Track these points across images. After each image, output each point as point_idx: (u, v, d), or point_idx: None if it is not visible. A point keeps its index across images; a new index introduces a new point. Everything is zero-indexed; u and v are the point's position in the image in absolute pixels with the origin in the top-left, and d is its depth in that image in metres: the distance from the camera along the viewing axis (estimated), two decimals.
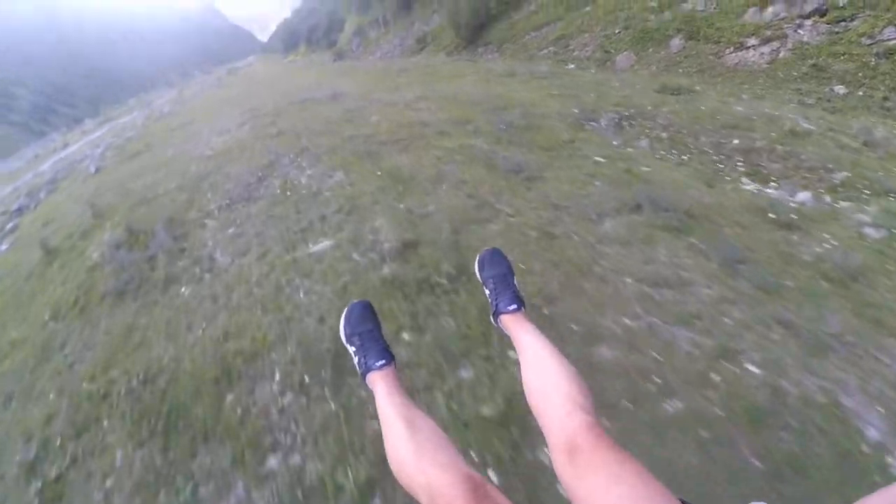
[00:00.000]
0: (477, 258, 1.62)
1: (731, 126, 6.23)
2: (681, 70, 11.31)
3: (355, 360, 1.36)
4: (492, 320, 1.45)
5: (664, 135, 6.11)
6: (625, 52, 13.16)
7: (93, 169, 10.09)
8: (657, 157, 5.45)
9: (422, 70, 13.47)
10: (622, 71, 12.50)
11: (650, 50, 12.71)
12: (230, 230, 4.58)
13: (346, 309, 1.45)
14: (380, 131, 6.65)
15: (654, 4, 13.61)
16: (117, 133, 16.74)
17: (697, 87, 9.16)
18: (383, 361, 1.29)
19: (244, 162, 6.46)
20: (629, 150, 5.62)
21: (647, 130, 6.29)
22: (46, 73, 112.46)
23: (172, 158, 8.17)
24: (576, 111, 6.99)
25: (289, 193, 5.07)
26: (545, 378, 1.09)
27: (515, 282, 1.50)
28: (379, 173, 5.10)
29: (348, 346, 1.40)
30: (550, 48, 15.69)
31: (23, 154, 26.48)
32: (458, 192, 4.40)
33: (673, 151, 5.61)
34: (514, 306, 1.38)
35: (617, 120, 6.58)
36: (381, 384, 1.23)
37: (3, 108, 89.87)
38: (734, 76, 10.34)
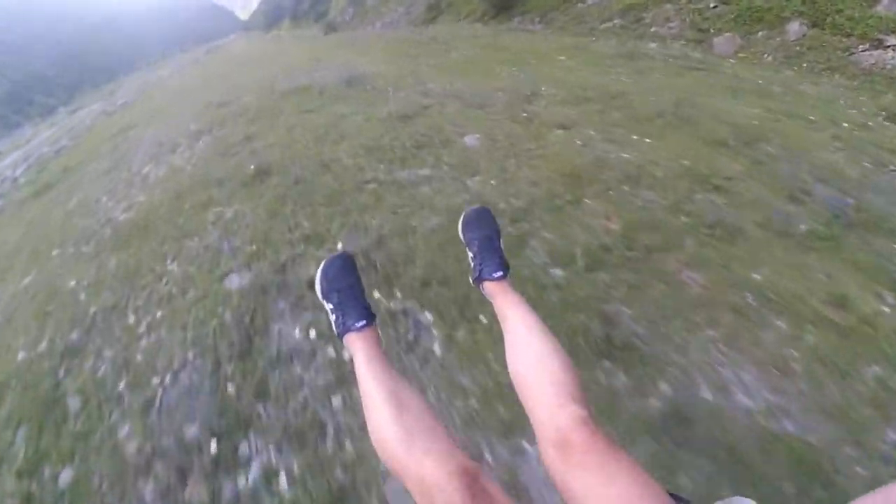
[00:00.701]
0: (462, 217, 1.40)
1: None
2: (805, 65, 8.54)
3: (332, 318, 1.19)
4: (472, 283, 1.30)
5: None
6: (727, 34, 10.06)
7: None
8: None
9: (467, 42, 9.42)
10: (726, 56, 9.41)
11: (760, 34, 9.82)
12: None
13: (323, 262, 1.25)
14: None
15: None
16: (56, 139, 12.71)
17: None
18: (364, 322, 1.13)
19: (168, 299, 2.71)
20: None
21: None
22: (22, 62, 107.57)
23: (66, 220, 4.31)
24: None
25: None
26: (535, 363, 0.97)
27: (501, 245, 1.32)
28: None
29: (325, 303, 1.22)
30: (616, 20, 12.00)
31: None
32: None
33: None
34: (499, 273, 1.22)
35: None
36: (360, 347, 1.09)
37: None
38: (871, 80, 7.61)
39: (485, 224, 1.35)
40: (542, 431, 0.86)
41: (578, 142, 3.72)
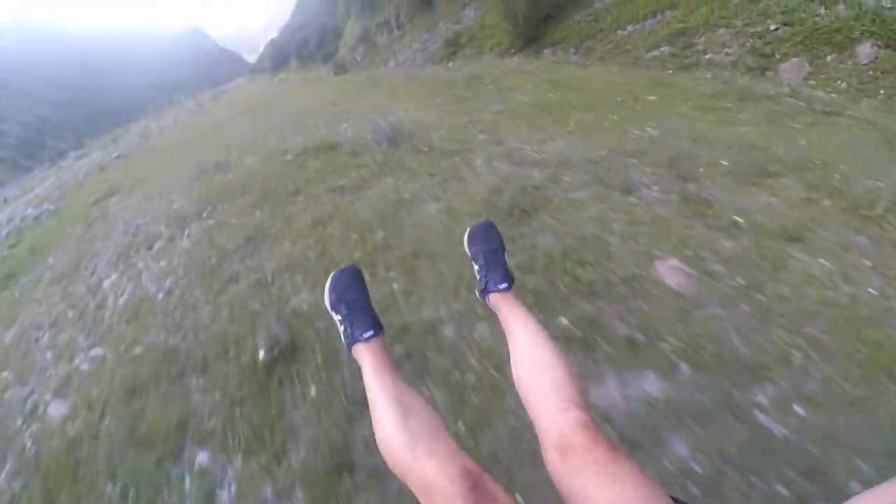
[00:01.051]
0: (467, 231, 1.39)
1: None
2: (882, 92, 6.93)
3: (341, 329, 1.16)
4: (478, 295, 1.27)
5: None
6: (793, 59, 8.69)
7: None
8: None
9: (519, 79, 7.86)
10: (794, 83, 7.89)
11: (828, 57, 8.45)
12: None
13: (332, 274, 1.24)
14: None
15: None
16: (43, 198, 11.39)
17: None
18: (371, 332, 1.11)
19: None
20: None
21: None
22: (32, 106, 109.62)
23: None
24: None
25: None
26: (539, 369, 0.97)
27: (506, 258, 1.32)
28: None
29: (333, 315, 1.20)
30: (664, 48, 10.64)
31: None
32: None
33: None
34: (504, 284, 1.20)
35: None
36: (368, 357, 1.07)
37: None
38: None
39: (490, 238, 1.34)
40: (544, 435, 0.85)
41: (841, 282, 1.99)
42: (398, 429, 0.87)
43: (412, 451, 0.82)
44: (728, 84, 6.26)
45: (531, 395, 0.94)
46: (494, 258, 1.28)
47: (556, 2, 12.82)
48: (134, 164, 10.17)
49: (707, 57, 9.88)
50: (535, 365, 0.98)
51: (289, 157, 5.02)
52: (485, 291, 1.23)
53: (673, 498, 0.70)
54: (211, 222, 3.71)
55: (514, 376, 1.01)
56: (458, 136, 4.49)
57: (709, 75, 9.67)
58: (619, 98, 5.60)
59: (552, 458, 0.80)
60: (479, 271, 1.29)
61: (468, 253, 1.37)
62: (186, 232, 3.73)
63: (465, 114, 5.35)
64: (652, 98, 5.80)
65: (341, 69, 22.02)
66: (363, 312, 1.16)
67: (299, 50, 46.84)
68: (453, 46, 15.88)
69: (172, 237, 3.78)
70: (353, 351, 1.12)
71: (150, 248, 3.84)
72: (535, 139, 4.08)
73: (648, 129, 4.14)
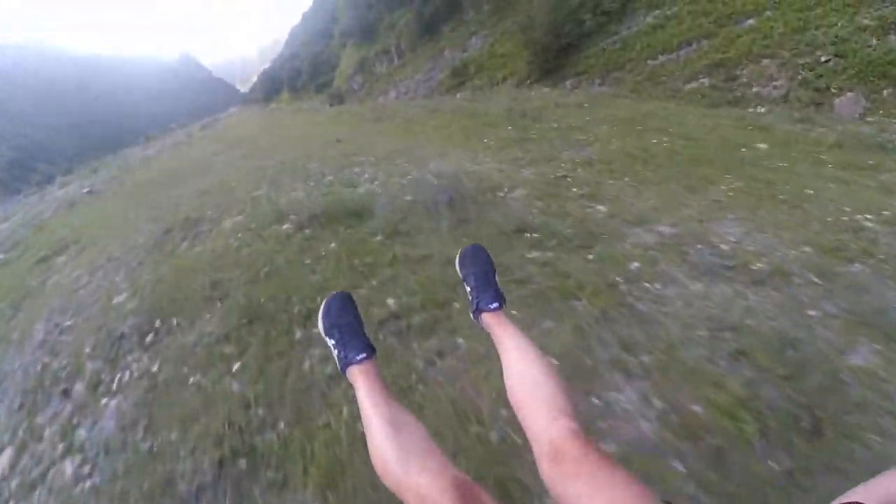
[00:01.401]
0: (458, 254, 1.38)
1: None
2: None
3: (335, 353, 1.17)
4: (472, 317, 1.26)
5: None
6: (849, 94, 7.96)
7: None
8: None
9: (575, 116, 6.33)
10: (852, 120, 7.21)
11: (885, 91, 7.73)
12: None
13: (324, 301, 1.24)
14: None
15: (869, 22, 8.53)
16: None
17: None
18: (364, 355, 1.10)
19: None
20: None
21: None
22: (26, 130, 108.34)
23: None
24: None
25: None
26: (530, 382, 0.96)
27: (497, 279, 1.30)
28: None
29: (327, 339, 1.20)
30: (703, 79, 9.57)
31: None
32: None
33: None
34: (495, 304, 1.21)
35: None
36: (361, 379, 1.05)
37: None
38: None
39: (480, 260, 1.34)
40: (537, 447, 0.84)
41: None
42: (390, 445, 0.86)
43: (404, 466, 0.82)
44: (842, 133, 4.85)
45: (524, 409, 0.93)
46: (485, 279, 1.28)
47: (577, 30, 11.65)
48: (101, 204, 8.52)
49: (754, 90, 8.94)
50: (525, 378, 0.97)
51: (287, 227, 3.42)
52: (477, 311, 1.23)
53: (666, 502, 0.66)
54: (155, 367, 2.08)
55: (508, 393, 0.99)
56: (557, 203, 2.95)
57: (762, 109, 8.65)
58: (736, 151, 4.14)
59: (546, 467, 0.79)
60: (470, 292, 1.29)
61: (459, 275, 1.36)
62: (116, 380, 2.11)
63: (537, 164, 3.84)
64: (762, 146, 4.39)
65: (337, 99, 20.68)
66: (355, 336, 1.16)
67: (291, 80, 45.88)
68: (461, 76, 14.61)
69: (96, 384, 2.15)
70: (347, 374, 1.11)
71: (64, 396, 2.21)
72: (684, 217, 2.55)
73: (859, 216, 2.65)
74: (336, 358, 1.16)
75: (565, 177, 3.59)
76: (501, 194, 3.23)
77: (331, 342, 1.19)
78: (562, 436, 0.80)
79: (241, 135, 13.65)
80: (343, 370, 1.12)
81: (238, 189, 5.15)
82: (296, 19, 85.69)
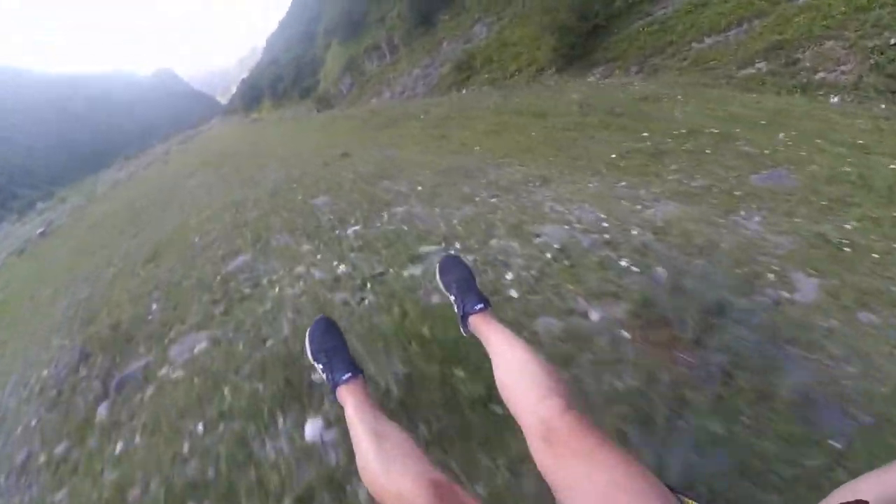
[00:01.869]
0: (437, 267, 1.41)
1: None
2: None
3: (324, 376, 1.20)
4: (460, 327, 1.26)
5: None
6: None
7: None
8: None
9: (693, 114, 4.49)
10: None
11: None
12: None
13: (308, 328, 1.28)
14: None
15: None
16: None
17: None
18: (349, 374, 1.13)
19: None
20: None
21: None
22: (8, 153, 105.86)
23: None
24: None
25: None
26: (516, 369, 0.97)
27: (477, 284, 1.32)
28: None
29: (315, 364, 1.23)
30: (759, 64, 8.29)
31: None
32: None
33: None
34: (480, 305, 1.21)
35: None
36: (349, 398, 1.07)
37: None
38: None
39: (458, 269, 1.34)
40: (528, 430, 0.82)
41: None
42: (374, 455, 0.86)
43: (387, 472, 0.82)
44: None
45: (513, 396, 0.92)
46: (466, 285, 1.28)
47: (607, 10, 9.79)
48: (45, 255, 6.60)
49: (819, 76, 7.62)
50: (512, 366, 0.97)
51: (292, 354, 1.53)
52: (464, 317, 1.22)
53: (665, 485, 0.65)
54: None
55: (498, 385, 0.99)
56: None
57: (835, 99, 7.06)
58: None
59: (538, 448, 0.77)
60: (455, 300, 1.28)
61: (440, 285, 1.36)
62: None
63: (732, 202, 1.97)
64: None
65: (325, 104, 18.69)
66: (341, 358, 1.17)
67: (273, 87, 43.47)
68: (465, 71, 12.77)
69: None
70: (337, 395, 1.11)
71: None
72: None
73: None
74: (326, 381, 1.19)
75: (841, 245, 1.75)
76: (775, 295, 1.36)
77: (319, 366, 1.21)
78: (552, 413, 0.77)
79: (226, 149, 11.60)
80: (333, 391, 1.13)
81: (202, 256, 2.97)
82: (272, 27, 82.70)
